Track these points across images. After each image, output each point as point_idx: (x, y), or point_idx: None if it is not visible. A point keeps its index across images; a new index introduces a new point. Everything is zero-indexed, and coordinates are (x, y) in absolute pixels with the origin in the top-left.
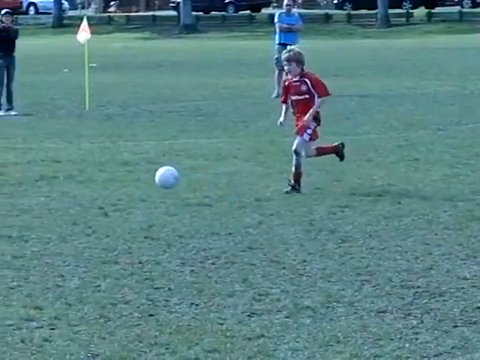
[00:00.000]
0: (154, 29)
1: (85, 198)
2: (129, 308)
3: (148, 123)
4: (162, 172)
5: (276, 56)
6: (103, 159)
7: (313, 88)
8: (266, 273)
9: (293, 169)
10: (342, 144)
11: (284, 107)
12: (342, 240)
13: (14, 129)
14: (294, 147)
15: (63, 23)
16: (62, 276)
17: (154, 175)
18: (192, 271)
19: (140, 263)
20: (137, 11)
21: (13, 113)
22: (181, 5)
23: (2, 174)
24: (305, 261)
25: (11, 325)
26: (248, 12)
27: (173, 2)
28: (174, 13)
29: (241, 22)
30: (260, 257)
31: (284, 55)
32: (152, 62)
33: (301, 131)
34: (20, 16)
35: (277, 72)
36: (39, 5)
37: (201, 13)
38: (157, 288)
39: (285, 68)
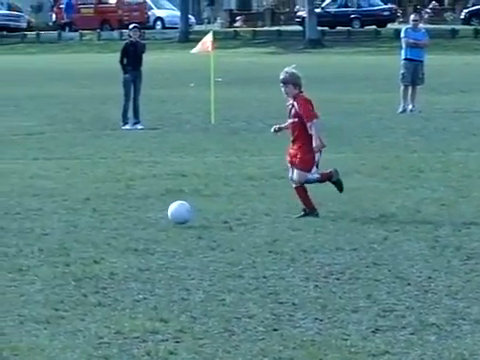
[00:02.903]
0: (279, 44)
1: (210, 212)
2: (253, 322)
3: (273, 138)
4: (175, 207)
5: (402, 71)
6: (228, 173)
7: (299, 111)
8: (391, 289)
9: (318, 180)
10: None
11: (286, 123)
12: (468, 257)
13: (141, 143)
14: (296, 185)
15: (189, 38)
16: (187, 289)
17: (278, 190)
18: (316, 286)
19: (264, 277)
20: (263, 26)
21: (140, 127)
22: (306, 20)
23: (129, 187)
24: (430, 278)
25: (137, 337)
26: (374, 27)
27: (298, 17)
28: (299, 28)
29: (367, 37)
30: (385, 273)
31: (281, 76)
32: (277, 77)
33: (304, 165)
34: (147, 31)
35: (403, 87)
36: (166, 20)
37: (326, 28)
38: (281, 303)
39: (282, 90)
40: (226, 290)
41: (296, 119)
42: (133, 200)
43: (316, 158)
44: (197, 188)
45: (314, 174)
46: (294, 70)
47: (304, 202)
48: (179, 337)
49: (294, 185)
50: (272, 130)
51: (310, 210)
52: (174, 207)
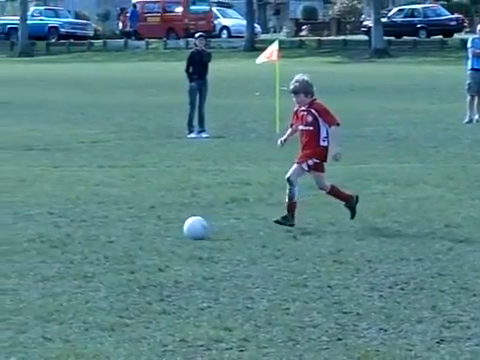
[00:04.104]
0: (345, 53)
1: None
2: (317, 332)
3: None
4: (191, 223)
5: (468, 81)
6: None
7: (321, 118)
8: (456, 300)
9: (286, 199)
10: (357, 197)
11: (289, 130)
12: None
13: (206, 151)
14: (288, 175)
15: (255, 47)
16: (251, 298)
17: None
18: (381, 296)
19: (329, 287)
20: (328, 35)
21: (205, 135)
22: (372, 29)
23: (194, 196)
24: None
25: (201, 346)
26: (440, 37)
27: (364, 26)
28: (365, 37)
29: (433, 47)
30: (450, 284)
31: (291, 87)
32: (343, 86)
33: (302, 159)
34: (213, 39)
35: (469, 97)
36: (232, 29)
37: (392, 38)
38: (346, 312)
39: (293, 100)
40: (290, 299)
41: (311, 128)
42: (198, 208)
43: (315, 159)
44: (262, 197)
45: (305, 167)
46: (305, 77)
47: (340, 198)
48: (243, 346)
49: (324, 191)
50: (279, 144)
51: (350, 201)
52: (190, 223)
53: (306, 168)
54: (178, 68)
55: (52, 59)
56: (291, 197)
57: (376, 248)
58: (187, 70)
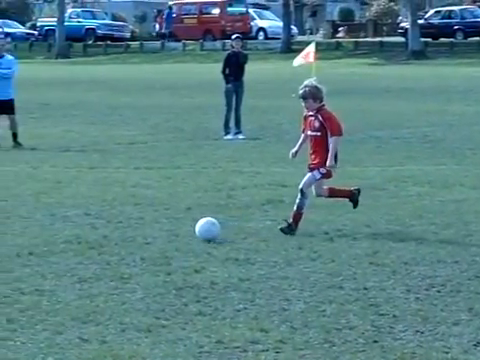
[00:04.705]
0: (382, 55)
1: (310, 223)
2: (353, 334)
3: (374, 149)
4: (202, 224)
5: None
6: (328, 184)
7: (325, 124)
8: None
9: (295, 208)
10: (358, 190)
11: (301, 138)
12: None
13: (242, 153)
14: (301, 185)
15: (292, 48)
16: (287, 300)
17: (379, 201)
18: (417, 298)
19: (365, 289)
20: (365, 37)
21: (241, 137)
22: (409, 31)
23: (230, 197)
24: None
25: (237, 347)
26: (477, 38)
27: (401, 28)
28: (402, 39)
29: (470, 49)
30: None
31: (299, 92)
32: (379, 88)
33: (313, 169)
34: (249, 41)
35: None
36: (268, 30)
37: (429, 39)
38: (382, 314)
39: (302, 104)
40: (327, 301)
41: (319, 133)
42: (234, 210)
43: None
44: None
45: (317, 175)
46: (314, 83)
47: (342, 195)
48: (279, 347)
49: (323, 197)
50: (290, 156)
51: (351, 196)
52: (201, 224)
53: (318, 177)
54: (214, 70)
55: (89, 61)
56: (300, 207)
57: (412, 250)
58: (223, 72)
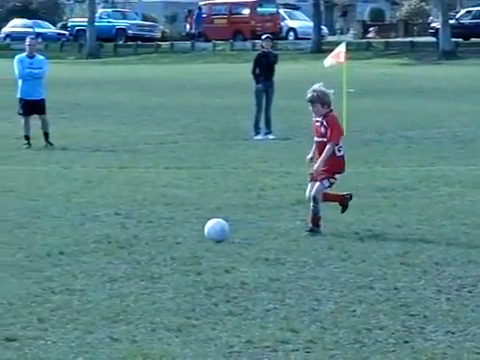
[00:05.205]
0: (412, 55)
1: (341, 223)
2: (384, 334)
3: (405, 149)
4: (211, 225)
5: None
6: (359, 184)
7: (328, 129)
8: None
9: (311, 214)
10: (350, 195)
11: (314, 144)
12: None
13: (272, 153)
14: (313, 193)
15: (322, 48)
16: (317, 300)
17: (410, 201)
18: (448, 299)
19: (395, 289)
20: (396, 37)
21: (271, 137)
22: (440, 31)
23: (260, 197)
24: None
25: (267, 347)
26: None
27: (432, 28)
28: (433, 39)
29: None
30: None
31: (308, 96)
32: (410, 88)
33: (323, 177)
34: (280, 41)
35: None
36: (298, 30)
37: (460, 39)
38: (412, 315)
39: (310, 108)
40: (357, 301)
41: (325, 139)
42: (264, 210)
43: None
44: None
45: (326, 184)
46: (322, 88)
47: (335, 200)
48: (309, 347)
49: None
50: (307, 162)
51: (343, 201)
52: (211, 225)
53: (327, 185)
54: (245, 70)
55: (120, 61)
56: (316, 213)
57: (443, 250)
58: (253, 72)
